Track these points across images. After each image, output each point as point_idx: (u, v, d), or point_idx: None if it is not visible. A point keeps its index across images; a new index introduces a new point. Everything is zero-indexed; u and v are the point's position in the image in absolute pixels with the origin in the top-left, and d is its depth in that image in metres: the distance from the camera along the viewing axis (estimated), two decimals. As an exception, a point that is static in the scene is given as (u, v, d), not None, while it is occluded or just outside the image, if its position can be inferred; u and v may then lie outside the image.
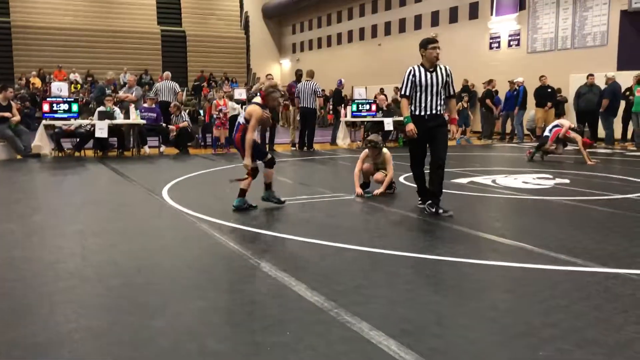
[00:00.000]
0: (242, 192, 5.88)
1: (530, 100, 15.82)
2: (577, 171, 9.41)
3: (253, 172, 5.92)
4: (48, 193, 7.58)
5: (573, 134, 10.86)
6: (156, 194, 7.01)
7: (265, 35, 33.05)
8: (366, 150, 7.15)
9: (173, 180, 8.14)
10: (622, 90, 14.10)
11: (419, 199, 6.13)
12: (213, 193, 7.35)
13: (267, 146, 13.30)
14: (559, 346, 2.63)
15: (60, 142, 11.88)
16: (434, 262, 4.07)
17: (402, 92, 5.84)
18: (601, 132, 14.64)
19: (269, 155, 6.08)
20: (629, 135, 14.54)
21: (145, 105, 13.05)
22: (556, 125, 11.10)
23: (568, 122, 11.42)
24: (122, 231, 5.06)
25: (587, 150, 10.87)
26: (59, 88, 13.00)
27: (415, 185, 6.14)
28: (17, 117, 11.52)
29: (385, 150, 7.15)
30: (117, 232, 5.00)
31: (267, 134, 13.37)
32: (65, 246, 4.50)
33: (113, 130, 11.76)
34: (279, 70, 32.81)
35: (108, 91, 12.88)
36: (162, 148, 12.74)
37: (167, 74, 14.69)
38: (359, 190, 6.88)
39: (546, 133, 11.20)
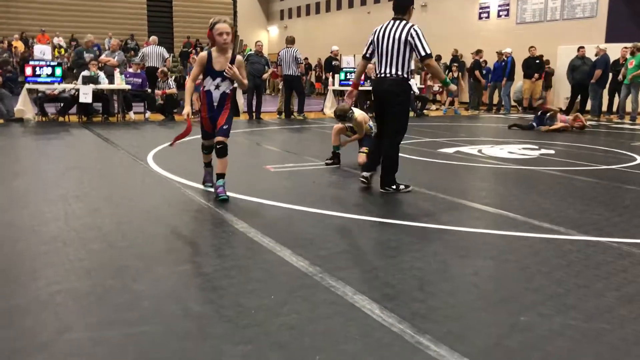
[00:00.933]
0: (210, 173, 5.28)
1: (518, 72, 15.79)
2: (562, 142, 9.46)
3: (206, 145, 5.10)
4: (31, 158, 7.48)
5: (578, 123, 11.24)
6: (141, 159, 6.95)
7: (253, 1, 32.53)
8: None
9: (158, 146, 8.07)
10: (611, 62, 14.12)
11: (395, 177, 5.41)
12: (198, 159, 7.29)
13: (254, 114, 13.25)
14: (539, 311, 2.67)
15: (43, 106, 11.70)
16: (418, 229, 4.09)
17: (430, 52, 5.14)
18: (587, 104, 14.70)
19: (221, 143, 4.81)
20: (615, 108, 14.61)
21: (131, 70, 12.85)
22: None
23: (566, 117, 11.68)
24: (106, 196, 5.02)
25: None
26: (41, 51, 12.76)
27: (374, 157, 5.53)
28: None
29: (357, 113, 6.83)
30: (100, 197, 4.96)
31: (254, 102, 13.27)
32: (47, 210, 4.46)
33: (97, 95, 11.59)
34: (266, 37, 32.39)
35: (88, 55, 12.57)
36: (148, 114, 12.60)
37: (154, 38, 14.40)
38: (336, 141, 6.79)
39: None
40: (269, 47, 30.12)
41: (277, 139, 9.98)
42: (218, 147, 4.81)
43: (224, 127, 4.82)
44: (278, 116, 13.83)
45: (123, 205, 4.72)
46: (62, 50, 23.35)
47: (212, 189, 5.15)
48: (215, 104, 4.84)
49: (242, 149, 8.32)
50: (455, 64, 16.92)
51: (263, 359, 2.22)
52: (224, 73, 4.77)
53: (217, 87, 4.81)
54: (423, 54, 5.07)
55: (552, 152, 8.27)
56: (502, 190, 5.79)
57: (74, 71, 13.74)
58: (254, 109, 13.32)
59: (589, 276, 3.14)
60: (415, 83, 15.62)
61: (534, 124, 11.41)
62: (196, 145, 8.66)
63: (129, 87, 12.04)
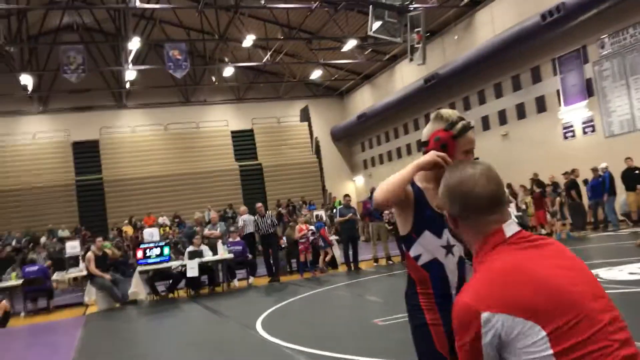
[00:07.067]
0: None
1: (618, 185, 15.17)
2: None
3: None
4: (149, 339, 7.74)
5: None
6: (251, 328, 7.01)
7: (336, 156, 34.07)
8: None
9: (265, 311, 8.16)
10: None
11: None
12: (305, 320, 7.29)
13: (352, 265, 13.27)
14: None
15: (154, 285, 12.30)
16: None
17: None
18: None
19: None
20: None
21: (231, 239, 13.47)
22: None
23: None
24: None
25: None
26: (150, 234, 13.70)
27: None
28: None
29: None
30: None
31: (350, 252, 13.36)
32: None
33: (203, 268, 12.11)
34: (353, 187, 33.38)
35: (196, 228, 13.39)
36: (251, 279, 12.92)
37: (244, 209, 15.22)
38: None
39: None
40: (357, 195, 30.88)
41: (379, 289, 9.84)
42: None
43: None
44: (375, 264, 13.79)
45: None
46: (167, 228, 24.94)
47: None
48: (454, 287, 2.25)
49: (346, 303, 8.25)
50: (539, 189, 16.42)
51: None
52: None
53: (450, 248, 2.25)
54: None
55: (679, 266, 7.61)
56: (635, 318, 5.29)
57: (178, 246, 14.57)
58: (351, 259, 13.39)
59: None
60: (512, 209, 15.12)
61: None
62: (300, 305, 8.69)
63: (231, 256, 12.53)
